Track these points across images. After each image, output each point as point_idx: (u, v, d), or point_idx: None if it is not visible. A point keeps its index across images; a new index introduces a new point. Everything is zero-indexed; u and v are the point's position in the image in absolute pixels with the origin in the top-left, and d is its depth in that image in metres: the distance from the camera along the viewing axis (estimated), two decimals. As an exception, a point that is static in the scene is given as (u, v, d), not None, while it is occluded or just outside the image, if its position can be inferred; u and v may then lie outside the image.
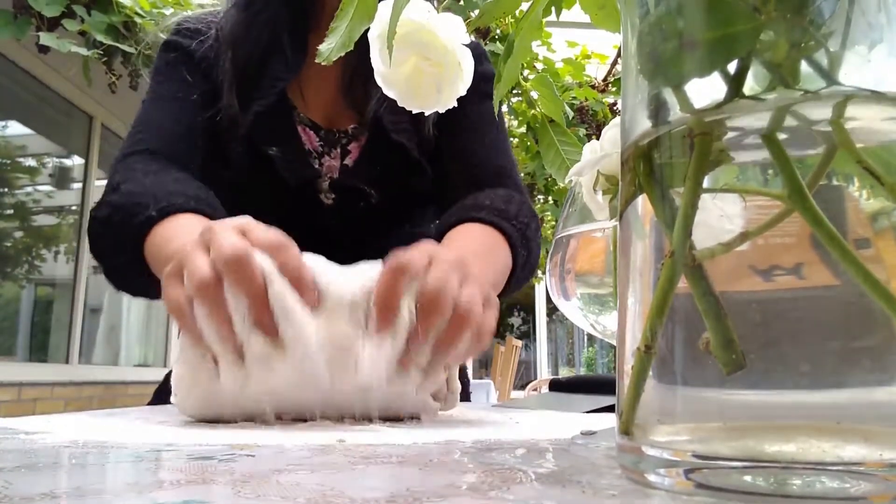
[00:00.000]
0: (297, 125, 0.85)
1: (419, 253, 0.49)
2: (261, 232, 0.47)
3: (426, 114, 0.80)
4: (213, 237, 0.46)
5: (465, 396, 0.98)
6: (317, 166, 0.86)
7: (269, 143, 0.82)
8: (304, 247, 0.86)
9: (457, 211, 0.79)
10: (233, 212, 0.90)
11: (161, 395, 0.92)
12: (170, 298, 0.47)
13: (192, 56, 0.85)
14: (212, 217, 0.66)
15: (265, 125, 0.82)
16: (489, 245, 0.75)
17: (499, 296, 0.77)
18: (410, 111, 0.74)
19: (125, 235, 0.67)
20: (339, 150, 0.87)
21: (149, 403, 0.91)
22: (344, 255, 0.86)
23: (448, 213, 0.80)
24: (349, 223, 0.87)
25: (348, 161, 0.86)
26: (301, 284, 0.45)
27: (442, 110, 0.48)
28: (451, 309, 0.47)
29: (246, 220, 0.49)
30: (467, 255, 0.56)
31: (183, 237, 0.61)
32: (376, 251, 0.86)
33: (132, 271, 0.69)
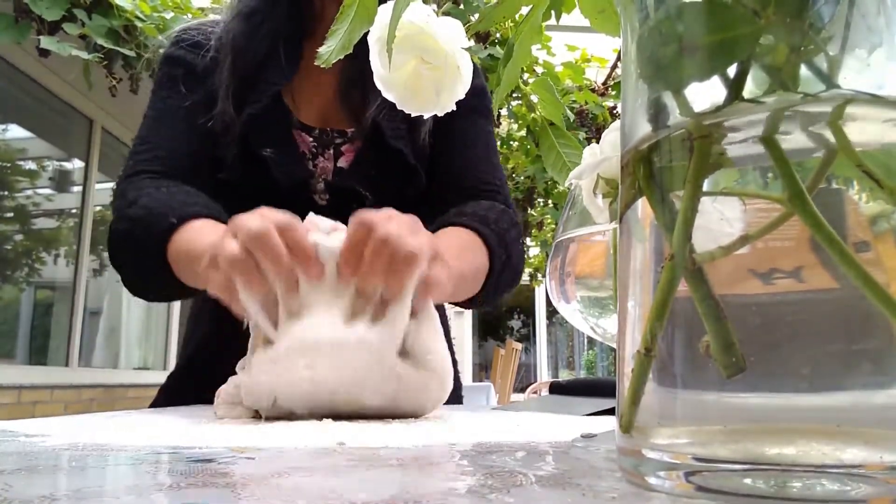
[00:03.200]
0: (292, 129, 0.87)
1: (381, 213, 0.55)
2: (275, 214, 0.54)
3: (422, 121, 0.83)
4: (238, 223, 0.53)
5: (458, 399, 0.99)
6: (311, 167, 0.87)
7: (263, 145, 0.83)
8: None
9: (440, 220, 0.82)
10: (228, 214, 0.90)
11: (167, 393, 0.92)
12: (214, 283, 0.54)
13: (193, 69, 0.87)
14: (224, 222, 0.70)
15: (259, 128, 0.83)
16: (465, 243, 0.78)
17: (482, 298, 0.83)
18: (407, 119, 0.77)
19: (148, 243, 0.72)
20: (332, 150, 0.88)
21: (152, 405, 0.92)
22: None
23: (434, 224, 0.83)
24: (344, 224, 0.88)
25: (342, 163, 0.88)
26: (307, 261, 0.52)
27: (440, 114, 0.48)
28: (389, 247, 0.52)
29: (261, 209, 0.55)
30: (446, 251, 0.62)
31: (207, 237, 0.67)
32: None
33: (154, 277, 0.75)
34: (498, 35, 2.73)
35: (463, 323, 9.73)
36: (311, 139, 0.88)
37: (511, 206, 0.91)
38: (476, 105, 0.91)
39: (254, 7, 0.88)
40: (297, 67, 0.87)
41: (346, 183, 0.86)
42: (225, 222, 0.70)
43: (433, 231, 0.79)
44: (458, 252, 0.75)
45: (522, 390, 7.32)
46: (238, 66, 0.84)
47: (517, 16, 0.43)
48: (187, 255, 0.69)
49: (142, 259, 0.75)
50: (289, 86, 0.87)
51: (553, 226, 4.57)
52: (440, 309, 0.98)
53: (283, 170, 0.83)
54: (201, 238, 0.68)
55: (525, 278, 6.76)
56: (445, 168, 0.91)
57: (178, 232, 0.70)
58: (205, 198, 0.78)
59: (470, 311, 9.63)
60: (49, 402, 3.38)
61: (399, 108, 0.48)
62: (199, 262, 0.61)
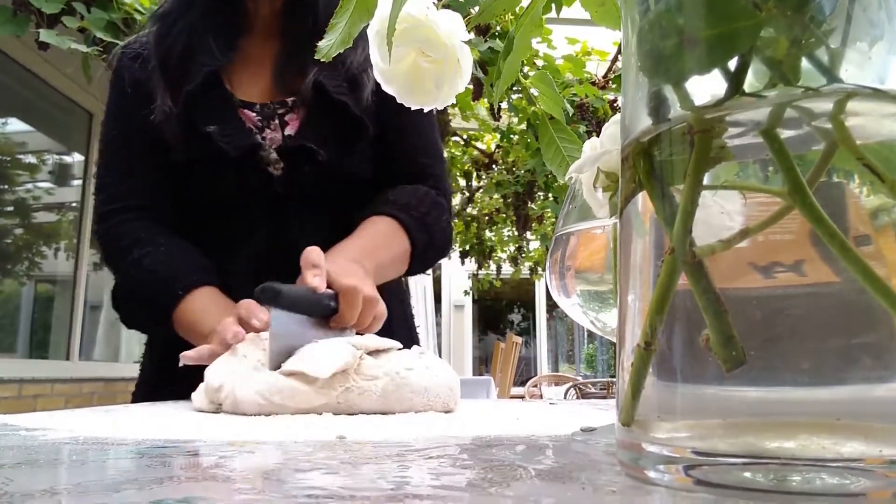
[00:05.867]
0: (235, 107, 0.90)
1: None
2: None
3: (364, 82, 0.90)
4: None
5: (414, 341, 1.06)
6: (259, 140, 0.90)
7: (207, 124, 0.86)
8: (260, 222, 0.91)
9: (371, 206, 0.93)
10: (183, 196, 0.91)
11: (141, 391, 0.93)
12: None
13: (137, 82, 0.91)
14: (217, 285, 0.83)
15: (201, 107, 0.87)
16: (387, 233, 0.91)
17: (408, 272, 0.97)
18: (348, 78, 0.83)
19: (156, 309, 0.83)
20: (277, 121, 0.91)
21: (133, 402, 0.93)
22: (297, 224, 0.89)
23: (366, 208, 0.94)
24: (300, 190, 0.91)
25: (289, 131, 0.91)
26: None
27: (441, 107, 0.48)
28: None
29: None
30: (364, 251, 0.82)
31: (210, 317, 0.77)
32: (329, 219, 0.91)
33: (155, 329, 0.89)
34: (498, 28, 2.72)
35: (463, 317, 9.74)
36: (254, 114, 0.91)
37: (440, 186, 0.99)
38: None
39: (167, 9, 0.93)
40: (231, 55, 0.90)
41: (298, 142, 0.89)
42: (218, 284, 0.84)
43: (364, 216, 0.90)
44: (377, 245, 0.88)
45: (522, 384, 7.33)
46: (160, 59, 0.89)
47: (517, 8, 0.42)
48: (192, 330, 0.80)
49: (149, 319, 0.87)
50: (225, 69, 0.90)
51: (553, 219, 4.56)
52: (401, 295, 1.06)
53: (229, 141, 0.86)
54: (205, 319, 0.78)
55: (525, 272, 6.77)
56: (391, 155, 0.98)
57: (184, 302, 0.81)
58: (199, 257, 0.87)
59: (470, 307, 9.71)
60: (50, 396, 3.38)
61: (399, 101, 0.47)
62: (201, 338, 0.75)
